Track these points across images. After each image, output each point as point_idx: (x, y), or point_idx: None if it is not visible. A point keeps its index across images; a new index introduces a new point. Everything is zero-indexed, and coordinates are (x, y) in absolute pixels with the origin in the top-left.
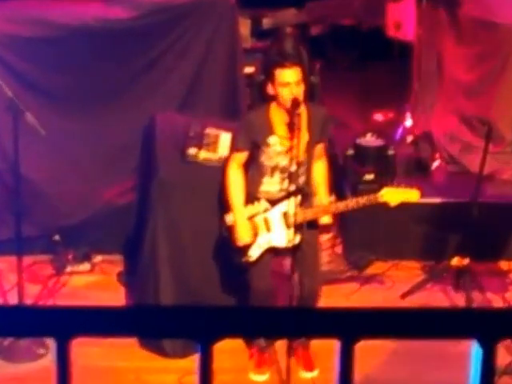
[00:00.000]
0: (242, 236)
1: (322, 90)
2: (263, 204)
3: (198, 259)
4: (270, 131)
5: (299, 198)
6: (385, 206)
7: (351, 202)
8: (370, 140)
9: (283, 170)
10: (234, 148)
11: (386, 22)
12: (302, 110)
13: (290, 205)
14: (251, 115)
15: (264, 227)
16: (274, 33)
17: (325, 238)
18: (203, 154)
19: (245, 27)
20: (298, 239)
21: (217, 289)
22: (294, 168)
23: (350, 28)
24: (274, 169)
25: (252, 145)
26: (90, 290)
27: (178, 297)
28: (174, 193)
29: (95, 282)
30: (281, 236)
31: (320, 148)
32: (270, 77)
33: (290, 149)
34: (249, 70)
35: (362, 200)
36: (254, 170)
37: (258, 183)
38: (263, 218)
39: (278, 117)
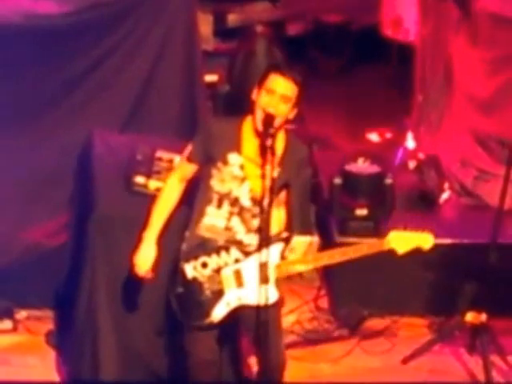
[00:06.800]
0: (142, 264)
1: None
2: (233, 253)
3: (145, 315)
4: (234, 146)
5: (280, 245)
6: (391, 254)
7: (349, 251)
8: (362, 166)
9: (234, 203)
10: (184, 156)
11: (381, 19)
12: (279, 140)
13: (272, 254)
14: (217, 122)
15: (234, 282)
16: (243, 32)
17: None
18: (154, 184)
19: (206, 25)
20: (275, 297)
21: (166, 352)
22: (248, 204)
23: (338, 26)
24: (223, 197)
25: (206, 159)
26: (12, 353)
27: (122, 362)
28: (116, 232)
29: (18, 344)
30: (255, 292)
31: (285, 194)
32: (261, 80)
33: (262, 176)
34: (211, 78)
35: (364, 248)
36: (199, 198)
37: (201, 213)
38: (233, 270)
39: (249, 135)
